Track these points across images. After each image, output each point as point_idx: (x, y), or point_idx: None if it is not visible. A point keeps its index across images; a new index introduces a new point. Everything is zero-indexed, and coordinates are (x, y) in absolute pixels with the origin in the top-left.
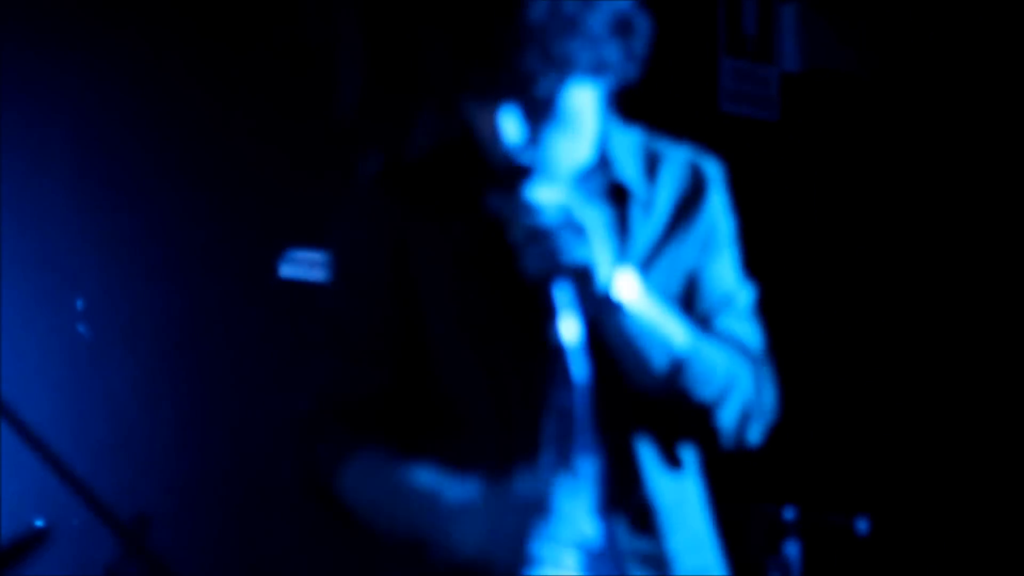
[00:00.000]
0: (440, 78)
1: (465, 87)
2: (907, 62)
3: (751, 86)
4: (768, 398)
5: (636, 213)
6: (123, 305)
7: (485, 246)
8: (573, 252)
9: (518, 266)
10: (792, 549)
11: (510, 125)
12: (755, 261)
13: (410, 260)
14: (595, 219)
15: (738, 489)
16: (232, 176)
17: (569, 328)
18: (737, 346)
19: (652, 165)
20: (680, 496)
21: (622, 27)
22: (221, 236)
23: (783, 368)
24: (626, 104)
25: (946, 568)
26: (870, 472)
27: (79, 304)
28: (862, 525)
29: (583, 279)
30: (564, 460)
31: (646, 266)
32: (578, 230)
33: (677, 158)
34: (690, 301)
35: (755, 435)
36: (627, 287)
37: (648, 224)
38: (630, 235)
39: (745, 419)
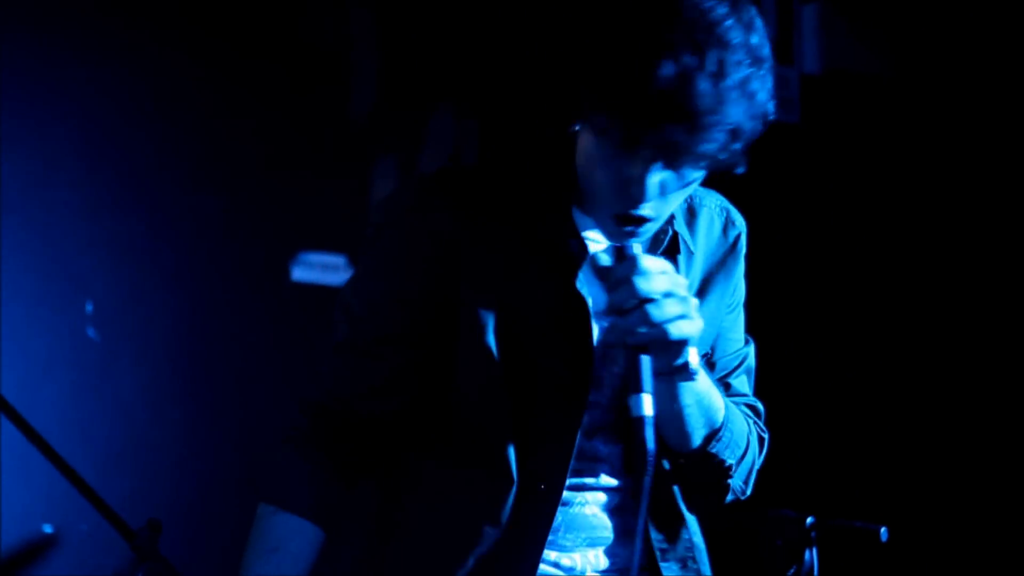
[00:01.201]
0: (590, 108)
1: (629, 136)
2: (927, 63)
3: None
4: (763, 453)
5: (682, 264)
6: (132, 309)
7: (544, 290)
8: (679, 327)
9: (571, 321)
10: (813, 555)
11: (655, 182)
12: (776, 264)
13: (458, 276)
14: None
15: (759, 497)
16: (243, 179)
17: (649, 401)
18: (749, 408)
19: (691, 213)
20: (701, 537)
21: (767, 113)
22: (232, 239)
23: (802, 373)
24: None
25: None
26: (887, 480)
27: (88, 308)
28: (883, 532)
29: (675, 353)
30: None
31: None
32: (685, 303)
33: (712, 206)
34: (710, 355)
35: (751, 488)
36: (695, 358)
37: (690, 275)
38: None
39: (748, 477)
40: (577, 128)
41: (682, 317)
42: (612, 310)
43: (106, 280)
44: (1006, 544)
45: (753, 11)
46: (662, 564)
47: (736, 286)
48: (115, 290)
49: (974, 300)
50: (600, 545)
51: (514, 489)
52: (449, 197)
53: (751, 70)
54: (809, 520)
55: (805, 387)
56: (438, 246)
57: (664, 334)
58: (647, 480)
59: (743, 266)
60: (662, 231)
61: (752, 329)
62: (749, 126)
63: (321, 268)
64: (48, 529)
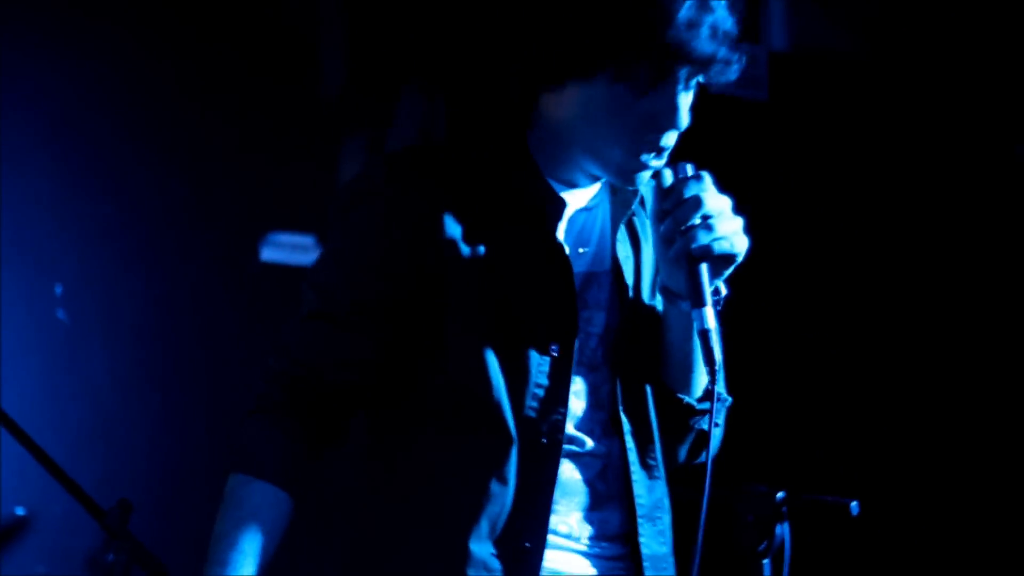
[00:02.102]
0: (614, 54)
1: (678, 61)
2: (897, 40)
3: None
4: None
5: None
6: (102, 291)
7: (522, 240)
8: (735, 241)
9: (551, 267)
10: (785, 530)
11: (686, 106)
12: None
13: (440, 244)
14: None
15: (730, 472)
16: (211, 161)
17: (711, 315)
18: None
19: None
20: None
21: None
22: (201, 220)
23: (772, 354)
24: None
25: (937, 549)
26: (858, 455)
27: (58, 290)
28: (854, 506)
29: (725, 270)
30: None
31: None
32: (738, 219)
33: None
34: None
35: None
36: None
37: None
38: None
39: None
40: (553, 92)
41: (736, 233)
42: (674, 226)
43: (75, 262)
44: (978, 517)
45: None
46: (639, 519)
47: None
48: (84, 272)
49: (943, 279)
50: (585, 510)
51: (515, 446)
52: (421, 170)
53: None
54: (780, 495)
55: (776, 363)
56: (414, 218)
57: (731, 245)
58: (714, 396)
59: None
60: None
61: (722, 308)
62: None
63: (290, 248)
64: (20, 511)
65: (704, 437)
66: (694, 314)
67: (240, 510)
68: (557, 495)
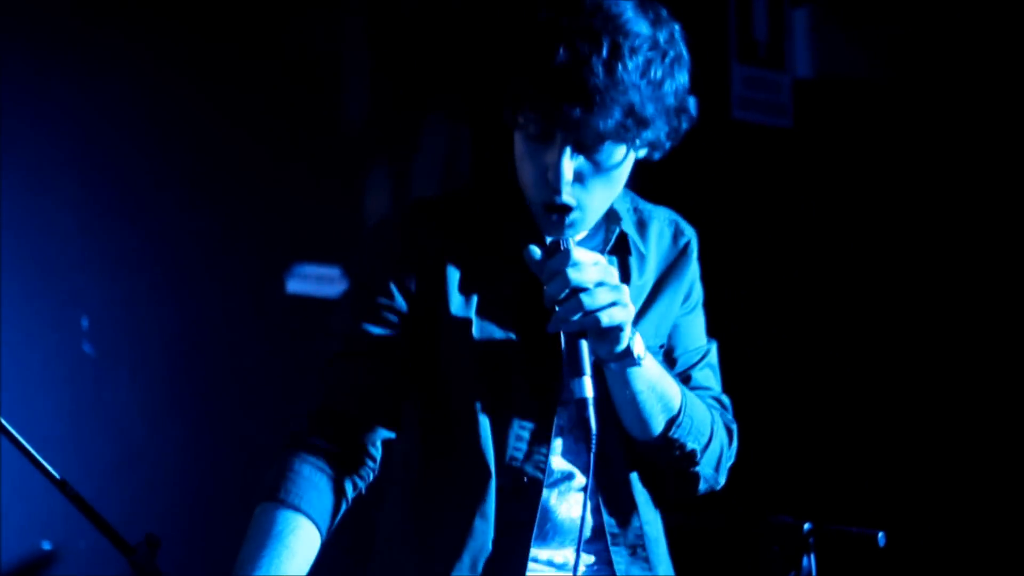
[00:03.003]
0: (510, 106)
1: (537, 122)
2: (919, 66)
3: (763, 93)
4: (734, 445)
5: (635, 267)
6: (128, 323)
7: (513, 290)
8: (611, 313)
9: (539, 315)
10: (811, 562)
11: (570, 166)
12: (769, 268)
13: (441, 292)
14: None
15: (757, 503)
16: (237, 192)
17: (589, 384)
18: (714, 400)
19: (640, 224)
20: (659, 530)
21: (683, 104)
22: (227, 252)
23: (797, 379)
24: None
25: None
26: (884, 486)
27: (84, 323)
28: (881, 537)
29: (613, 339)
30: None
31: (639, 316)
32: (616, 291)
33: (662, 219)
34: (669, 352)
35: (724, 478)
36: (639, 346)
37: (643, 277)
38: (631, 283)
39: (719, 465)
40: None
41: (614, 304)
42: (548, 301)
43: (101, 295)
44: (1004, 548)
45: (664, 12)
46: (612, 548)
47: (691, 287)
48: (110, 305)
49: (968, 304)
50: (582, 542)
51: (493, 484)
52: (432, 215)
53: (652, 55)
54: (807, 526)
55: (802, 393)
56: (422, 257)
57: (597, 321)
58: (591, 458)
59: (697, 269)
60: (608, 229)
61: (747, 333)
62: (651, 111)
63: (316, 280)
64: (47, 546)
65: (689, 479)
66: (572, 383)
67: (266, 535)
68: (549, 529)
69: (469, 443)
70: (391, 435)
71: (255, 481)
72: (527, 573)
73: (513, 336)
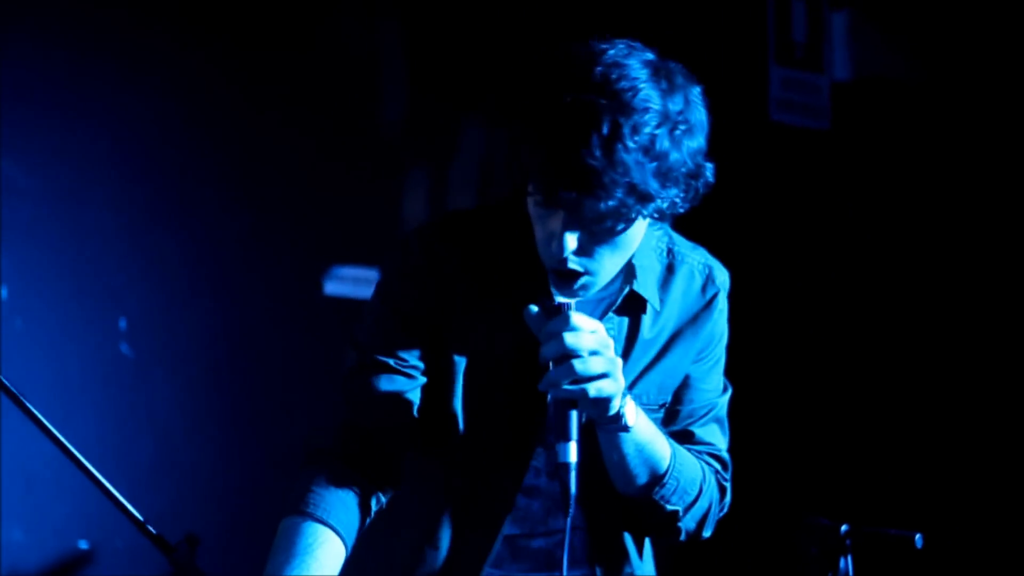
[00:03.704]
0: (515, 167)
1: (539, 193)
2: (957, 68)
3: (801, 95)
4: (726, 501)
5: (647, 321)
6: (166, 324)
7: (513, 337)
8: (600, 385)
9: (530, 367)
10: (848, 564)
11: (572, 238)
12: (806, 270)
13: (452, 307)
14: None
15: (794, 505)
16: (275, 193)
17: (574, 449)
18: (712, 457)
19: (669, 270)
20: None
21: (697, 171)
22: (264, 253)
23: (836, 382)
24: None
25: None
26: (922, 487)
27: (122, 324)
28: (919, 539)
29: (601, 407)
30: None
31: (646, 370)
32: (610, 363)
33: (695, 264)
34: (674, 403)
35: (709, 531)
36: (631, 412)
37: (655, 331)
38: (638, 340)
39: (703, 521)
40: None
41: (604, 376)
42: (543, 360)
43: (140, 296)
44: None
45: (679, 77)
46: None
47: (709, 340)
48: (149, 306)
49: (1008, 304)
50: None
51: (448, 515)
52: (450, 241)
53: (658, 131)
54: (844, 528)
55: (840, 395)
56: (436, 283)
57: (584, 391)
58: (568, 521)
59: (722, 322)
60: (617, 290)
61: (785, 334)
62: (655, 186)
63: (353, 281)
64: (84, 545)
65: (670, 530)
66: (557, 447)
67: (291, 546)
68: (508, 558)
69: (437, 475)
70: (414, 448)
71: (293, 481)
72: None
73: (501, 382)
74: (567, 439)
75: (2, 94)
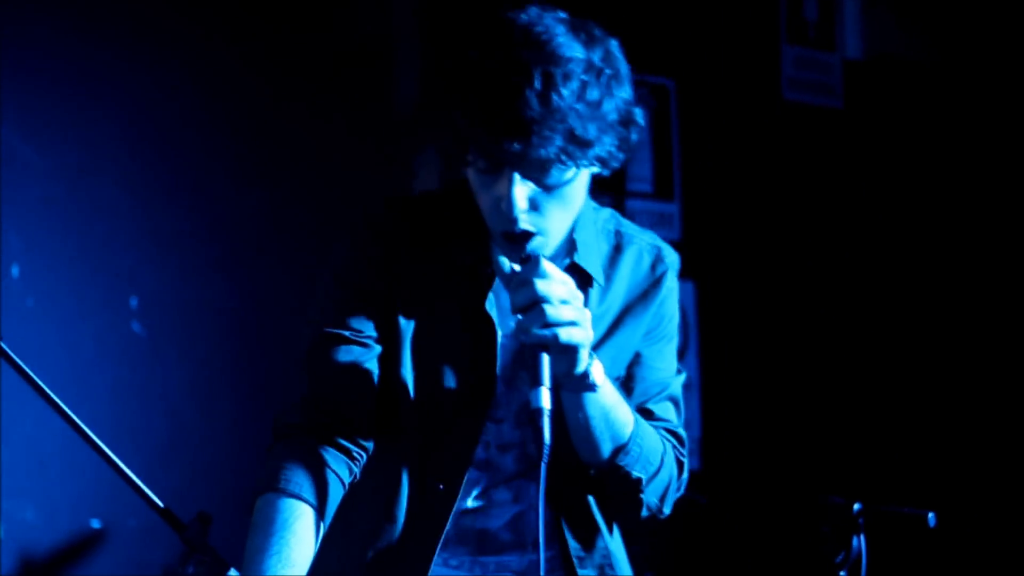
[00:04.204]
0: (454, 144)
1: (482, 158)
2: (970, 47)
3: (814, 73)
4: (684, 477)
5: (594, 297)
6: (178, 303)
7: (461, 308)
8: (571, 332)
9: (480, 334)
10: (861, 542)
11: (522, 195)
12: (819, 248)
13: (400, 279)
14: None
15: (807, 484)
16: (287, 172)
17: (547, 395)
18: (669, 433)
19: (616, 250)
20: (622, 549)
21: (628, 117)
22: (277, 231)
23: (846, 357)
24: (691, 96)
25: (1016, 561)
26: (934, 465)
27: (133, 303)
28: (931, 517)
29: (571, 359)
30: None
31: (597, 346)
32: (580, 312)
33: (643, 244)
34: (628, 381)
35: (669, 508)
36: (598, 372)
37: (603, 307)
38: None
39: (664, 496)
40: None
41: (573, 324)
42: (514, 309)
43: (151, 275)
44: None
45: (596, 31)
46: (580, 571)
47: (660, 318)
48: (160, 285)
49: (1018, 284)
50: (507, 554)
51: (405, 488)
52: (395, 219)
53: (586, 77)
54: (857, 506)
55: (852, 374)
56: (384, 256)
57: (556, 336)
58: (543, 468)
59: (671, 301)
60: (559, 264)
61: (796, 313)
62: (594, 132)
63: None
64: (96, 524)
65: (632, 504)
66: (530, 393)
67: (269, 524)
68: (475, 539)
69: (394, 449)
70: (380, 417)
71: (263, 460)
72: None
73: (452, 356)
74: (539, 384)
75: (13, 73)
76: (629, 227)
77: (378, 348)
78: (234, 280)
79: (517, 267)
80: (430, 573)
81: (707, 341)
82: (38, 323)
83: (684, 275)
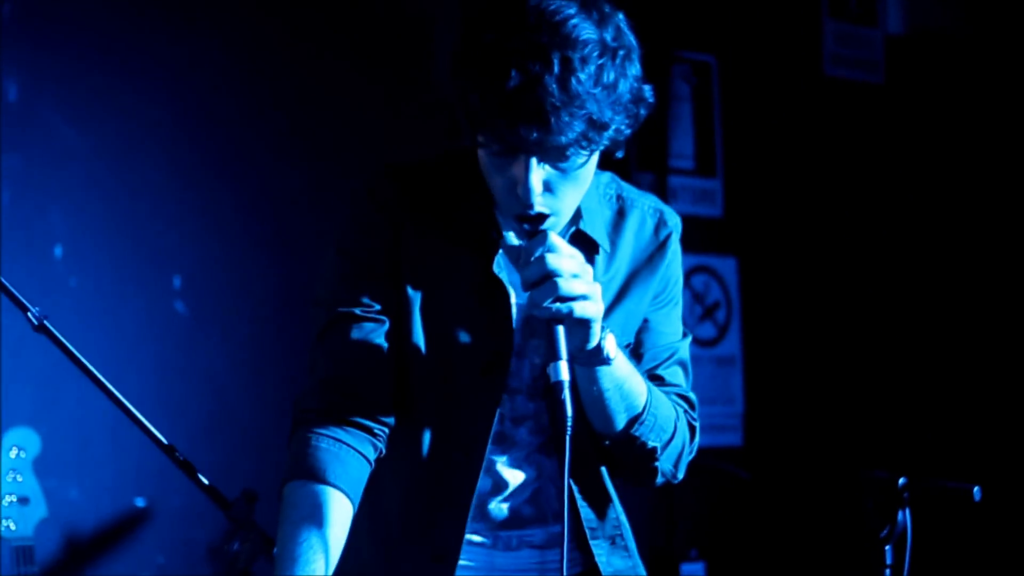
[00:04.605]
0: (469, 124)
1: (498, 143)
2: (1011, 22)
3: (855, 49)
4: (695, 441)
5: (600, 264)
6: (220, 282)
7: (471, 277)
8: (583, 306)
9: (492, 304)
10: (906, 516)
11: (538, 179)
12: (860, 224)
13: (404, 247)
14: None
15: (851, 459)
16: (331, 149)
17: (565, 368)
18: (680, 397)
19: (619, 214)
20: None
21: (639, 95)
22: (317, 212)
23: (891, 333)
24: (733, 72)
25: None
26: (980, 441)
27: (176, 282)
28: (977, 491)
29: (583, 333)
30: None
31: (606, 313)
32: (590, 286)
33: (645, 208)
34: (637, 347)
35: (682, 473)
36: (611, 345)
37: (609, 274)
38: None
39: (678, 461)
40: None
41: (585, 297)
42: (524, 284)
43: (193, 254)
44: None
45: (605, 7)
46: (592, 542)
47: (666, 282)
48: (202, 264)
49: None
50: (529, 528)
51: (426, 462)
52: (396, 187)
53: (602, 60)
54: (902, 481)
55: (898, 349)
56: (386, 227)
57: (570, 311)
58: (567, 440)
59: (676, 263)
60: (564, 232)
61: (839, 289)
62: (610, 114)
63: None
64: (141, 503)
65: (647, 472)
66: (548, 367)
67: (298, 511)
68: (493, 511)
69: (416, 420)
70: (398, 392)
71: (286, 447)
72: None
73: (466, 322)
74: (557, 358)
75: (55, 53)
76: (630, 191)
77: (389, 322)
78: (277, 258)
79: (520, 241)
80: None
81: (749, 317)
82: (81, 303)
83: (726, 251)
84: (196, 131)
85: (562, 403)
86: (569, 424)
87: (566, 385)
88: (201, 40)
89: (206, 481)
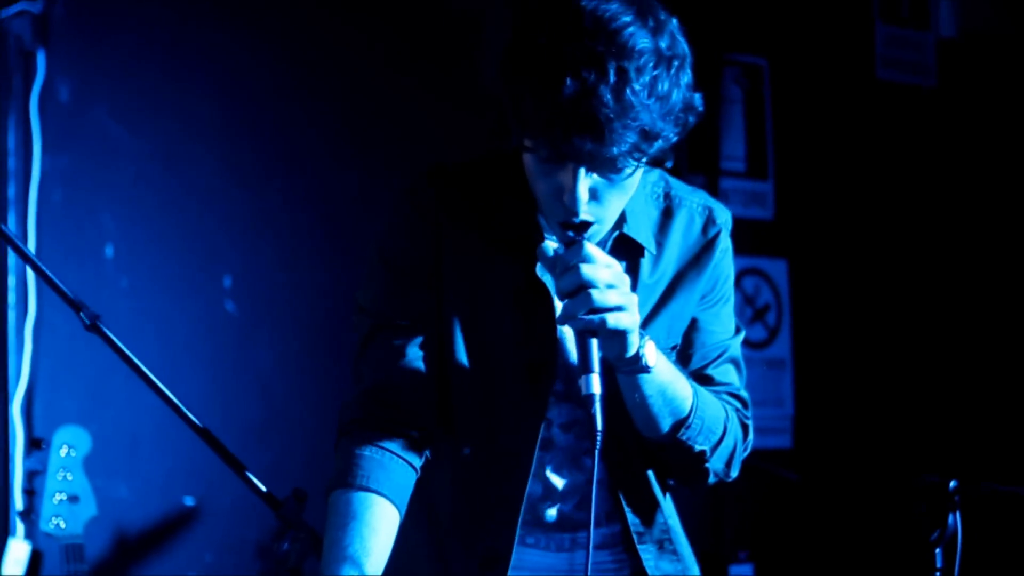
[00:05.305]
0: (518, 130)
1: (548, 150)
2: None
3: (907, 52)
4: (749, 439)
5: (646, 266)
6: (270, 282)
7: (514, 281)
8: (618, 317)
9: (535, 309)
10: (957, 520)
11: (584, 188)
12: (913, 229)
13: (446, 251)
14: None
15: (903, 462)
16: (382, 150)
17: (597, 381)
18: (732, 396)
19: (666, 214)
20: (678, 522)
21: (690, 104)
22: (367, 213)
23: (945, 336)
24: (785, 74)
25: None
26: None
27: (226, 282)
28: None
29: (620, 343)
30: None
31: (651, 315)
32: (626, 296)
33: (693, 206)
34: (685, 348)
35: (736, 471)
36: (651, 353)
37: (655, 276)
38: (639, 285)
39: (730, 461)
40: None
41: (620, 308)
42: (560, 294)
43: (244, 254)
44: None
45: (660, 12)
46: (640, 547)
47: (715, 281)
48: (253, 264)
49: None
50: (581, 531)
51: (474, 462)
52: (436, 190)
53: (658, 71)
54: (952, 484)
55: (951, 353)
56: (428, 233)
57: (603, 321)
58: (596, 455)
59: (726, 263)
60: (607, 235)
61: (891, 292)
62: (661, 125)
63: None
64: (190, 502)
65: (698, 474)
66: (580, 380)
67: (342, 518)
68: (544, 517)
69: (462, 426)
70: (442, 399)
71: (332, 457)
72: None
73: (509, 326)
74: (589, 371)
75: (107, 54)
76: (679, 188)
77: (431, 329)
78: (327, 258)
79: (558, 247)
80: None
81: (800, 319)
82: (132, 303)
83: (777, 253)
84: (246, 130)
85: (592, 417)
86: (599, 439)
87: (597, 399)
88: (252, 40)
89: (257, 480)
